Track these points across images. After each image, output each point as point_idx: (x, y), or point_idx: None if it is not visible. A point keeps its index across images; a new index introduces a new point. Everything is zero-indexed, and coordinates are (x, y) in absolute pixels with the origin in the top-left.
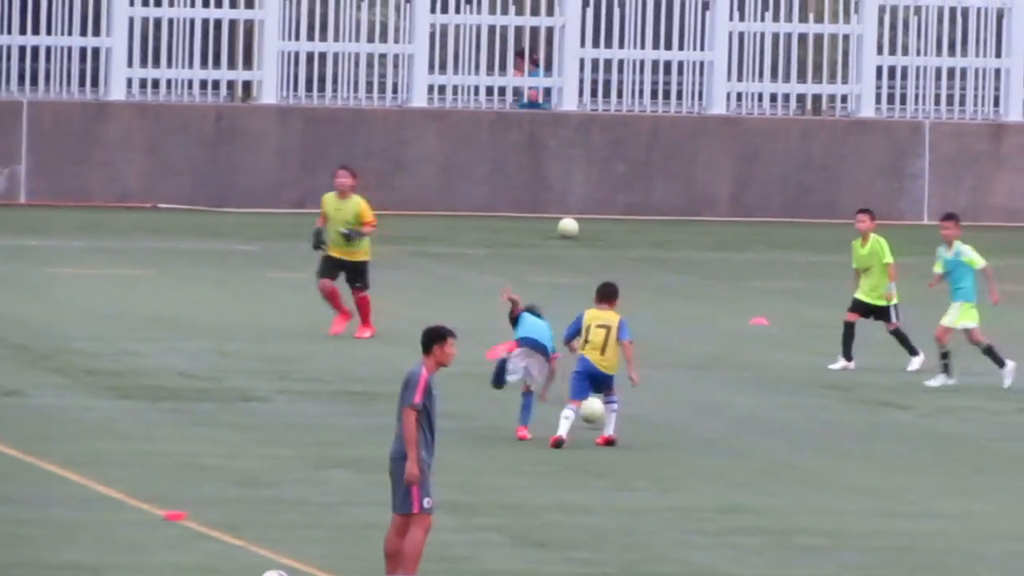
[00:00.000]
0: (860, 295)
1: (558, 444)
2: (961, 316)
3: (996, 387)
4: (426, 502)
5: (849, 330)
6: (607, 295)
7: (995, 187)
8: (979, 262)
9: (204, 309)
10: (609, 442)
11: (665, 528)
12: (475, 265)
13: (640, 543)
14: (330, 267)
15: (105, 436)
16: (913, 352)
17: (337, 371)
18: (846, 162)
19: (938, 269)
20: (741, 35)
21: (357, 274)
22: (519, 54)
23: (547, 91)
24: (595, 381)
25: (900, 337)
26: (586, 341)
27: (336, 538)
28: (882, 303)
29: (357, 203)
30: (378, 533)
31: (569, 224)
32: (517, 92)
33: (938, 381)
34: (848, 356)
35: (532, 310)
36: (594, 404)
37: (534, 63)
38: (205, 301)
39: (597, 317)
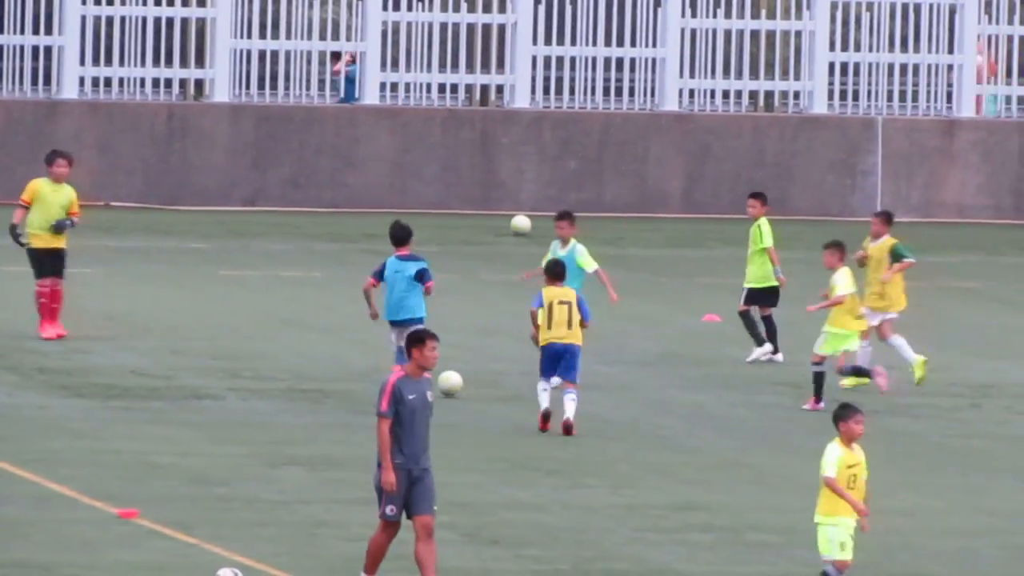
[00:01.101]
0: (747, 284)
1: (547, 416)
2: None
3: (949, 383)
4: (389, 509)
5: (747, 320)
6: (559, 273)
7: (947, 183)
8: (590, 266)
9: (156, 307)
10: (568, 427)
11: (618, 525)
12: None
13: (593, 540)
14: (42, 264)
15: (57, 434)
16: (760, 342)
17: (289, 369)
18: (798, 159)
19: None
20: (693, 31)
21: (60, 264)
22: (335, 54)
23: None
24: (562, 356)
25: (747, 321)
26: (549, 320)
27: (288, 536)
28: (771, 284)
29: (70, 192)
30: (329, 531)
31: (521, 221)
32: (469, 90)
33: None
34: (760, 342)
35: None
36: (453, 377)
37: (352, 59)
38: (157, 299)
39: (557, 294)
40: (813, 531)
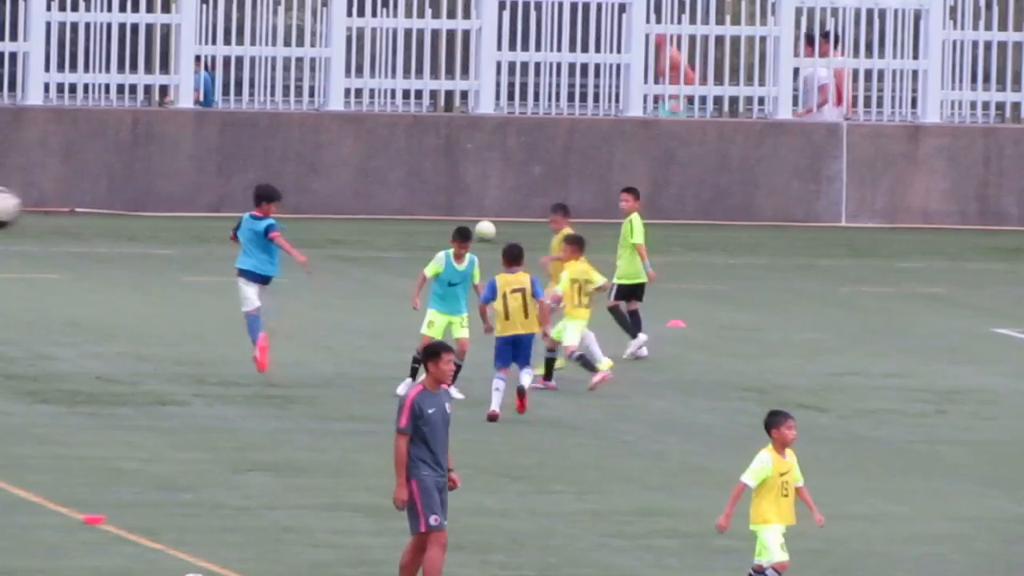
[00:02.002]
0: (617, 279)
1: (494, 418)
2: None
3: (914, 388)
4: (432, 519)
5: (617, 315)
6: (515, 257)
7: (912, 189)
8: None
9: (121, 313)
10: (522, 392)
11: (583, 531)
12: (392, 268)
13: (558, 546)
14: None
15: (22, 440)
16: (633, 335)
17: (254, 375)
18: (763, 164)
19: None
20: (656, 37)
21: None
22: (198, 58)
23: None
24: (518, 346)
25: (618, 316)
26: (505, 310)
27: (254, 542)
28: (640, 280)
29: None
30: (295, 536)
31: (486, 227)
32: (434, 95)
33: None
34: (634, 336)
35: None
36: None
37: (199, 64)
38: (122, 305)
39: (510, 282)
40: None
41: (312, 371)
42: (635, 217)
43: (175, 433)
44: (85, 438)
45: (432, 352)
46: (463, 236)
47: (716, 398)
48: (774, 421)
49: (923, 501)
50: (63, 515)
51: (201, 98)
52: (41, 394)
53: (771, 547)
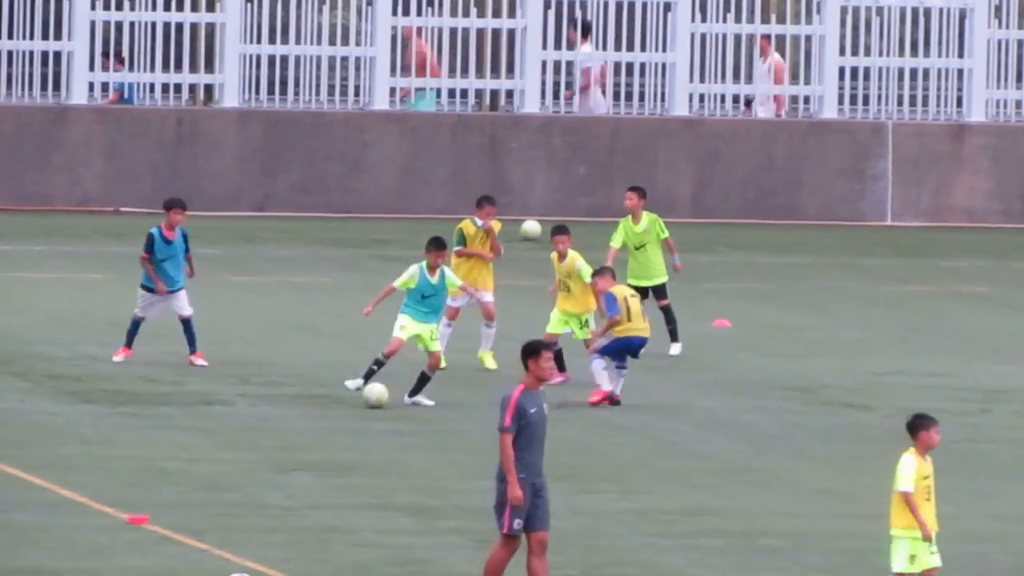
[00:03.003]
0: (635, 281)
1: (616, 401)
2: None
3: (958, 388)
4: (516, 523)
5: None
6: (612, 272)
7: (957, 188)
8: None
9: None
10: (614, 400)
11: (627, 531)
12: None
13: (602, 546)
14: None
15: (67, 440)
16: (675, 338)
17: (298, 374)
18: (808, 163)
19: None
20: (703, 36)
21: None
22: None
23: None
24: (634, 349)
25: (670, 315)
26: (628, 313)
27: (298, 541)
28: (659, 280)
29: None
30: (339, 536)
31: (532, 226)
32: (479, 95)
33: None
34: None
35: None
36: (377, 388)
37: (120, 62)
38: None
39: (624, 290)
40: (823, 535)
41: (356, 371)
42: (652, 214)
43: (219, 433)
44: (129, 438)
45: (532, 350)
46: (439, 245)
47: (761, 397)
48: (920, 424)
49: (968, 500)
50: (107, 515)
51: (123, 96)
52: (85, 394)
53: (897, 557)
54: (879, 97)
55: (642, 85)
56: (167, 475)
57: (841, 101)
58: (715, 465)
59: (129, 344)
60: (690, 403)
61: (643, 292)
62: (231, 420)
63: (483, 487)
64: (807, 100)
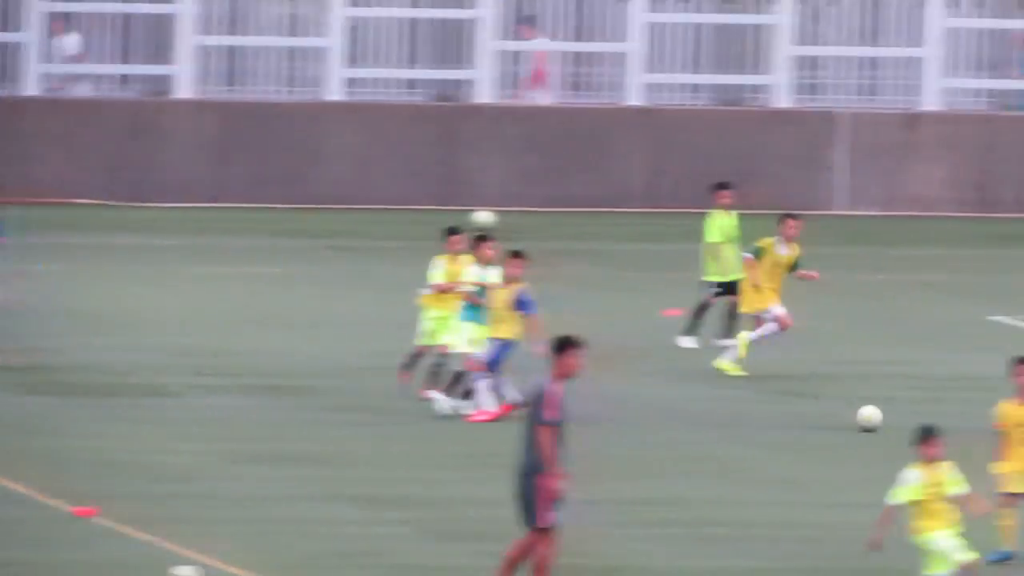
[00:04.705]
0: (721, 276)
1: None
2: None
3: (911, 376)
4: (557, 516)
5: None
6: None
7: (910, 177)
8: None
9: (117, 303)
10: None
11: (577, 520)
12: (391, 259)
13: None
14: None
15: (14, 432)
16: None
17: (250, 365)
18: (761, 152)
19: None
20: (657, 26)
21: None
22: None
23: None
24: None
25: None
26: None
27: (248, 533)
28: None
29: None
30: (288, 527)
31: (485, 216)
32: (433, 85)
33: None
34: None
35: None
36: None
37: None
38: (118, 295)
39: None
40: (771, 525)
41: (308, 361)
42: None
43: (169, 424)
44: (78, 429)
45: (562, 346)
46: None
47: (715, 386)
48: (918, 438)
49: None
50: (53, 507)
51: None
52: (34, 385)
53: (951, 552)
54: (833, 86)
55: (596, 74)
56: (116, 466)
57: (795, 90)
58: (666, 454)
59: None
60: (643, 392)
61: (727, 289)
62: (181, 411)
63: (432, 477)
64: (761, 89)
